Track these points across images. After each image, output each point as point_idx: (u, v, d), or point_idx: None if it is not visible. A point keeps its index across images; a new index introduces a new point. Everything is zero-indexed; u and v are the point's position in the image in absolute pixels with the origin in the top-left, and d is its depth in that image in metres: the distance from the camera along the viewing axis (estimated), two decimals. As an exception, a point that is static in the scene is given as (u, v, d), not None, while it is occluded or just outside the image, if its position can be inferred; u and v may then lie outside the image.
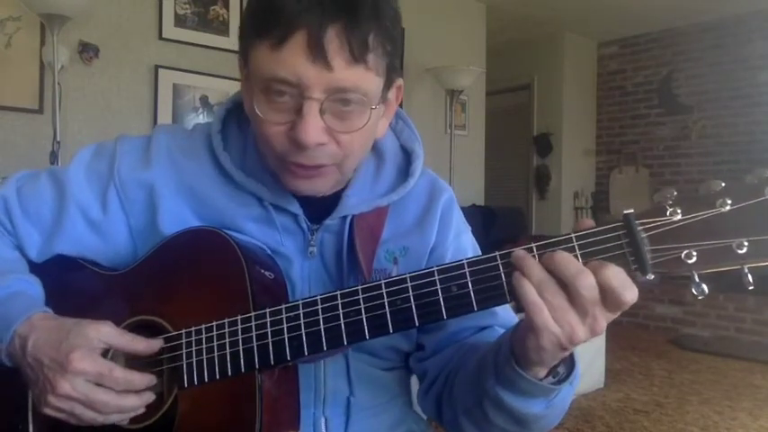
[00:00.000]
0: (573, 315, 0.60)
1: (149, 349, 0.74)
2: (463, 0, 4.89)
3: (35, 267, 0.85)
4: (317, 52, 0.65)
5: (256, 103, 0.71)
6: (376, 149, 0.86)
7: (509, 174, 6.27)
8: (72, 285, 0.85)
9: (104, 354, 0.74)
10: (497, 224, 4.34)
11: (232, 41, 3.57)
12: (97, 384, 0.70)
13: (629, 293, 0.58)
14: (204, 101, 3.56)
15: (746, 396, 3.51)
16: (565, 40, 5.86)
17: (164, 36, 3.41)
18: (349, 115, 0.70)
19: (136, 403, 0.72)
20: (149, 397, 0.73)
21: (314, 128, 0.68)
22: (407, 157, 0.88)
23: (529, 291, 0.60)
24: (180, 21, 3.47)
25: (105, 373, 0.70)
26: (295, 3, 0.65)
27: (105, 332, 0.73)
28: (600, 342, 3.48)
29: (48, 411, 0.71)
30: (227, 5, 3.61)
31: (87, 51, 3.16)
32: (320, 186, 0.76)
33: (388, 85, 0.74)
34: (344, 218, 0.82)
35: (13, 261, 0.83)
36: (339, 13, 0.65)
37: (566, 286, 0.59)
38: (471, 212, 4.11)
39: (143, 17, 3.35)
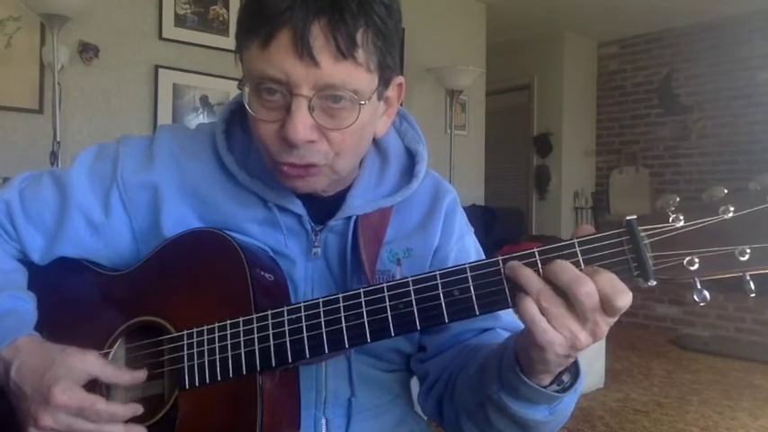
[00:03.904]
0: (573, 322, 0.60)
1: (133, 381, 0.74)
2: (463, 0, 4.89)
3: (38, 269, 0.85)
4: (303, 48, 0.65)
5: (249, 102, 0.71)
6: (380, 150, 0.86)
7: (509, 174, 6.26)
8: (74, 286, 0.85)
9: (104, 358, 0.74)
10: (497, 224, 4.34)
11: (232, 41, 3.48)
12: (79, 416, 0.70)
13: (623, 299, 0.58)
14: (204, 101, 3.56)
15: (746, 396, 3.51)
16: (565, 40, 5.85)
17: (164, 36, 3.41)
18: (339, 112, 0.70)
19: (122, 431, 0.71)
20: (137, 428, 0.72)
21: (302, 124, 0.68)
22: (411, 158, 0.88)
23: (530, 308, 0.60)
24: (180, 21, 3.46)
25: (87, 406, 0.69)
26: (280, 1, 0.65)
27: (90, 362, 0.72)
28: (600, 342, 3.47)
29: None
30: (227, 5, 3.60)
31: (87, 51, 3.15)
32: (315, 184, 0.76)
33: (384, 82, 0.74)
34: (348, 219, 0.82)
35: (11, 272, 0.83)
36: (324, 10, 0.65)
37: (564, 294, 0.59)
38: (471, 212, 4.09)
39: (143, 17, 3.35)
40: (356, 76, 0.68)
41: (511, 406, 0.69)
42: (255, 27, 0.67)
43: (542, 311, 0.60)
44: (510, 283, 0.63)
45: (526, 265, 0.62)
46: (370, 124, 0.75)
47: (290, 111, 0.68)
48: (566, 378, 0.68)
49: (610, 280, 0.58)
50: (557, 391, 0.67)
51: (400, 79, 0.78)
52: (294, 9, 0.65)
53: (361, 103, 0.70)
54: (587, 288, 0.58)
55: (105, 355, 0.78)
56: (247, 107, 0.71)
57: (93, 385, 0.73)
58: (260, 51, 0.67)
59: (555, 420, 0.71)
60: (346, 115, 0.70)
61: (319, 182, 0.76)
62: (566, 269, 0.60)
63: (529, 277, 0.61)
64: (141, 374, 0.74)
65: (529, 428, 0.71)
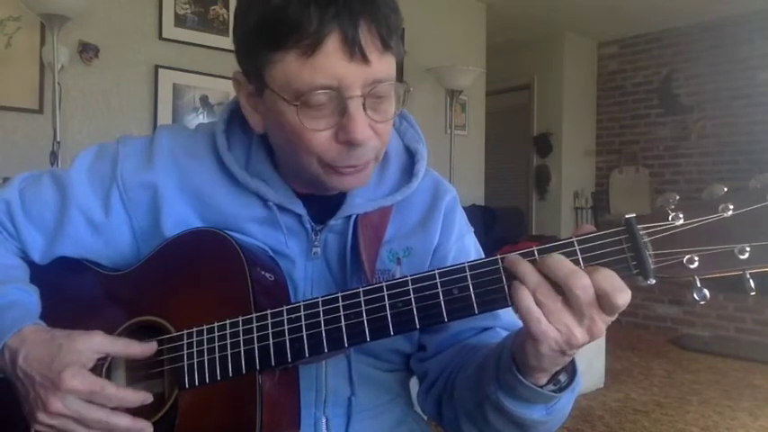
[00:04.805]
0: (569, 317, 0.60)
1: (144, 352, 0.74)
2: (463, 0, 4.89)
3: (38, 268, 0.85)
4: (354, 50, 0.66)
5: (290, 115, 0.70)
6: None
7: (509, 174, 6.27)
8: (75, 286, 0.85)
9: (102, 360, 0.74)
10: (497, 224, 4.34)
11: (232, 41, 3.55)
12: (89, 401, 0.70)
13: (622, 297, 0.58)
14: (204, 101, 3.56)
15: (746, 396, 3.51)
16: (565, 40, 5.86)
17: (164, 36, 3.41)
18: (384, 104, 0.71)
19: (128, 423, 0.71)
20: (142, 423, 0.72)
21: (363, 125, 0.69)
22: (411, 157, 0.88)
23: (525, 298, 0.60)
24: (180, 21, 3.46)
25: (97, 390, 0.70)
26: (321, 9, 0.65)
27: (97, 342, 0.72)
28: (600, 342, 3.49)
29: (39, 428, 0.71)
30: (227, 5, 3.60)
31: (87, 51, 3.16)
32: (365, 179, 0.77)
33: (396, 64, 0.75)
34: (348, 218, 0.82)
35: (13, 268, 0.83)
36: (364, 7, 0.66)
37: (560, 288, 0.59)
38: (471, 212, 4.08)
39: (143, 17, 3.35)
40: (393, 65, 0.71)
41: (508, 405, 0.69)
42: (288, 39, 0.66)
43: (538, 305, 0.60)
44: (509, 281, 0.63)
45: None
46: None
47: (346, 114, 0.68)
48: (562, 378, 0.68)
49: (608, 277, 0.58)
50: (553, 391, 0.67)
51: None
52: (339, 13, 0.65)
53: (396, 89, 0.72)
54: (583, 282, 0.58)
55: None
56: (292, 120, 0.70)
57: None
58: (301, 61, 0.66)
59: (552, 420, 0.71)
60: (388, 105, 0.72)
61: (367, 175, 0.77)
62: (562, 262, 0.60)
63: (527, 271, 0.61)
64: (152, 345, 0.75)
65: (526, 428, 0.71)
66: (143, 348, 0.74)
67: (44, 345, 0.72)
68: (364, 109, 0.69)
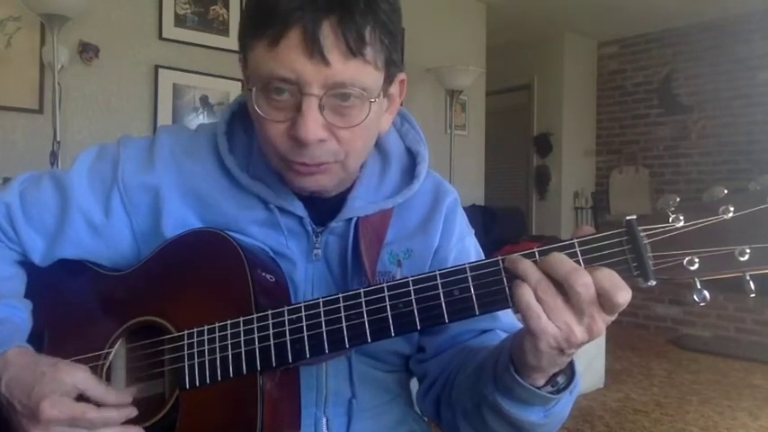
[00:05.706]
0: (569, 315, 0.60)
1: (120, 401, 0.73)
2: (463, 0, 4.89)
3: (39, 269, 0.85)
4: (314, 48, 0.65)
5: (257, 103, 0.71)
6: (381, 151, 0.86)
7: (509, 174, 6.27)
8: (75, 287, 0.85)
9: (105, 357, 0.74)
10: (497, 224, 4.34)
11: (232, 41, 3.56)
12: (73, 426, 0.69)
13: (622, 295, 0.58)
14: (204, 101, 3.56)
15: (746, 396, 3.52)
16: (565, 40, 5.85)
17: (164, 36, 3.41)
18: (348, 110, 0.70)
19: None
20: (133, 429, 0.72)
21: (313, 124, 0.68)
22: (412, 159, 0.88)
23: (526, 294, 0.60)
24: (180, 21, 3.46)
25: (78, 416, 0.69)
26: (288, 1, 0.65)
27: (81, 378, 0.71)
28: (600, 342, 3.49)
29: None
30: (227, 5, 3.61)
31: (87, 51, 3.15)
32: (325, 183, 0.76)
33: (389, 79, 0.74)
34: (349, 220, 0.82)
35: (8, 280, 0.83)
36: (333, 8, 0.65)
37: (561, 286, 0.59)
38: (471, 212, 4.08)
39: (143, 17, 3.35)
40: (365, 73, 0.69)
41: (505, 407, 0.69)
42: (263, 27, 0.67)
43: (539, 301, 0.60)
44: (510, 282, 0.63)
45: None
46: (376, 121, 0.76)
47: (300, 110, 0.68)
48: (560, 380, 0.68)
49: (609, 276, 0.59)
50: (551, 393, 0.67)
51: (402, 76, 0.79)
52: (304, 8, 0.65)
53: (371, 101, 0.71)
54: (584, 279, 0.58)
55: (106, 355, 0.78)
56: (255, 108, 0.71)
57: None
58: (268, 51, 0.67)
59: (550, 423, 0.71)
60: (356, 113, 0.70)
61: (329, 180, 0.76)
62: (563, 261, 0.60)
63: (528, 268, 0.61)
64: (128, 396, 0.74)
65: (523, 430, 0.71)
66: (119, 398, 0.73)
67: (27, 370, 0.71)
68: (321, 109, 0.68)
